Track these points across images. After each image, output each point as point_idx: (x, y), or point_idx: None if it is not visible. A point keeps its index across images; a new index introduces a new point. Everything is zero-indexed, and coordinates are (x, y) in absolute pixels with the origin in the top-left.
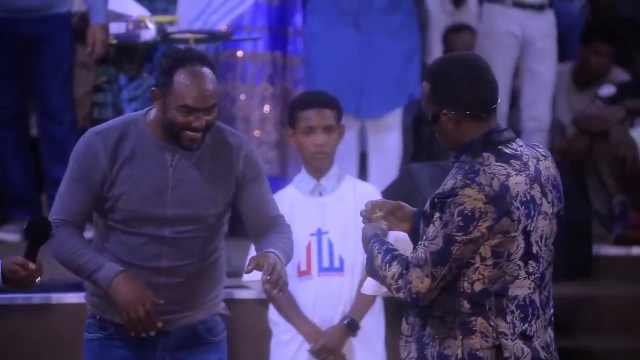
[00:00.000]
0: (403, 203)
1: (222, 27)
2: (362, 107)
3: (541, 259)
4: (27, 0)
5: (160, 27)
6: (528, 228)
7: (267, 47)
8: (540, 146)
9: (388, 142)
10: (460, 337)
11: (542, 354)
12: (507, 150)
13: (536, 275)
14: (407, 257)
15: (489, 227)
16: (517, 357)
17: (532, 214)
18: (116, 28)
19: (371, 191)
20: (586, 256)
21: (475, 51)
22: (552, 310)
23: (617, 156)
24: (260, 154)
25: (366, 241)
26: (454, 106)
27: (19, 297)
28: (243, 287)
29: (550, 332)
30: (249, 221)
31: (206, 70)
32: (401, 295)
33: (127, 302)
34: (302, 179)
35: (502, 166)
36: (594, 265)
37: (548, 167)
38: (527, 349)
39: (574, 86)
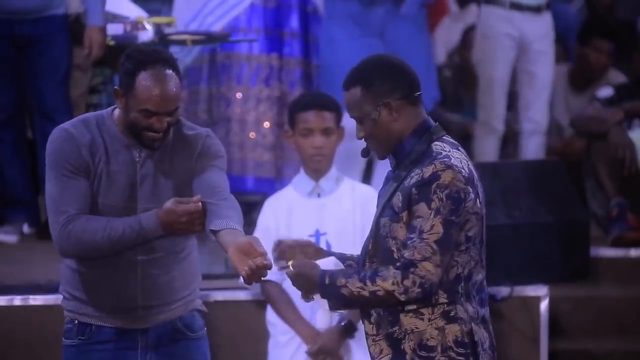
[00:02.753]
0: (313, 244)
1: (218, 28)
2: None
3: (485, 246)
4: (24, 2)
5: (158, 29)
6: (483, 212)
7: (263, 49)
8: None
9: None
10: (443, 326)
11: (494, 340)
12: (451, 140)
13: (484, 262)
14: (397, 262)
15: (472, 207)
16: (482, 341)
17: (483, 201)
18: (114, 29)
19: (370, 193)
20: (584, 258)
21: (473, 52)
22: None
23: (616, 158)
24: (255, 156)
25: (314, 281)
26: (392, 93)
27: (16, 298)
28: (240, 288)
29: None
30: (194, 191)
31: (169, 73)
32: (411, 295)
33: (187, 226)
34: (301, 180)
35: (458, 152)
36: (592, 267)
37: None
38: (486, 334)
39: (571, 88)
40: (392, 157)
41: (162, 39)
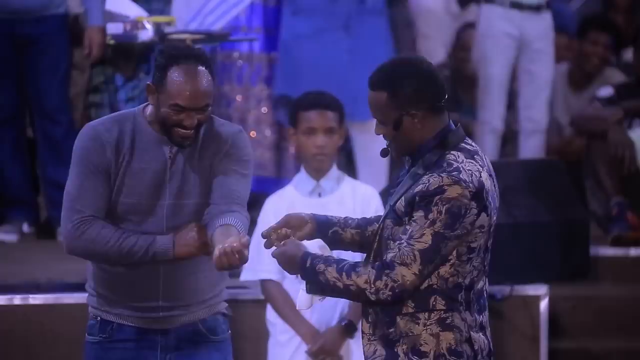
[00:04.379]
0: (293, 213)
1: (218, 28)
2: (350, 110)
3: (489, 252)
4: (24, 1)
5: (158, 28)
6: (494, 220)
7: (264, 48)
8: None
9: (376, 146)
10: (438, 332)
11: (491, 345)
12: (468, 147)
13: (487, 268)
14: (376, 262)
15: (472, 222)
16: (482, 348)
17: (494, 208)
18: (114, 28)
19: (370, 193)
20: (583, 257)
21: (473, 51)
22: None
23: (615, 157)
24: (256, 155)
25: (296, 261)
26: (418, 104)
27: (16, 297)
28: (241, 287)
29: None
30: (212, 193)
31: (201, 69)
32: (381, 296)
33: (195, 252)
34: (302, 179)
35: (471, 162)
36: (592, 267)
37: (489, 160)
38: (485, 340)
39: (571, 87)
40: (408, 158)
41: (162, 38)
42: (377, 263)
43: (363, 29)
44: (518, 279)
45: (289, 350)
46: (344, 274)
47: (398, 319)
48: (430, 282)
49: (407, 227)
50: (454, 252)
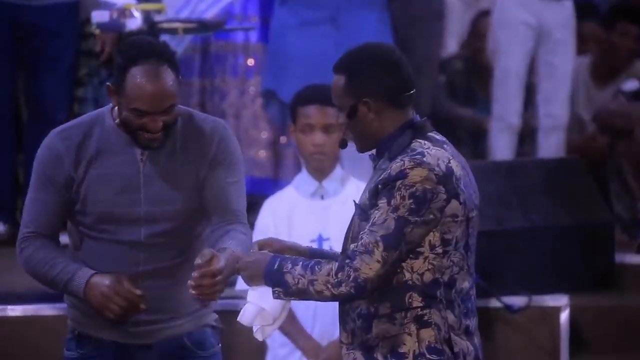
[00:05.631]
0: (273, 239)
1: (211, 16)
2: None
3: (473, 253)
4: None
5: (147, 16)
6: (469, 215)
7: (260, 38)
8: None
9: None
10: (415, 331)
11: (480, 354)
12: (437, 137)
13: (471, 269)
14: (342, 254)
15: (440, 208)
16: (465, 353)
17: (470, 200)
18: (99, 16)
19: None
20: (608, 265)
21: (488, 41)
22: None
23: None
24: (252, 155)
25: (264, 266)
26: (373, 93)
27: None
28: (237, 297)
29: (479, 334)
30: (207, 209)
31: (162, 68)
32: (343, 289)
33: (100, 306)
34: (303, 180)
35: (439, 150)
36: (616, 275)
37: (463, 159)
38: (471, 346)
39: (594, 80)
40: (373, 154)
41: (151, 27)
42: (341, 256)
43: (352, 22)
44: (536, 289)
45: None
46: (308, 270)
47: (374, 322)
48: (405, 278)
49: (370, 216)
50: (427, 244)
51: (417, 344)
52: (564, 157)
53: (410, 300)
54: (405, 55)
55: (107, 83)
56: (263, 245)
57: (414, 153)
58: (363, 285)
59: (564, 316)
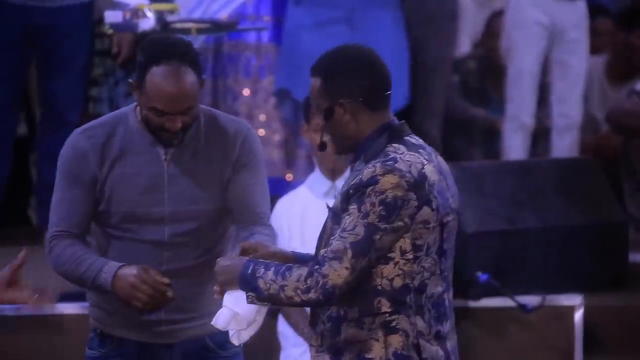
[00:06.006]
0: (258, 243)
1: (224, 16)
2: None
3: (449, 257)
4: None
5: (160, 16)
6: (444, 220)
7: (273, 39)
8: None
9: None
10: (383, 337)
11: (452, 357)
12: (413, 141)
13: (445, 273)
14: (312, 260)
15: (411, 215)
16: (434, 359)
17: (445, 205)
18: (112, 17)
19: None
20: (622, 264)
21: (501, 41)
22: (453, 316)
23: None
24: (265, 154)
25: (238, 270)
26: (349, 95)
27: (8, 308)
28: None
29: (455, 337)
30: (232, 210)
31: (183, 69)
32: (312, 295)
33: (128, 296)
34: (316, 179)
35: (414, 155)
36: (631, 275)
37: (443, 161)
38: (441, 352)
39: (609, 80)
40: (350, 157)
41: (164, 27)
42: (311, 262)
43: (367, 23)
44: (550, 288)
45: None
46: (279, 275)
47: (344, 325)
48: (374, 283)
49: (341, 222)
50: (397, 250)
51: (384, 350)
52: (578, 157)
53: (379, 305)
54: (418, 55)
55: (129, 79)
56: (247, 249)
57: (387, 159)
58: (331, 292)
59: (578, 316)
